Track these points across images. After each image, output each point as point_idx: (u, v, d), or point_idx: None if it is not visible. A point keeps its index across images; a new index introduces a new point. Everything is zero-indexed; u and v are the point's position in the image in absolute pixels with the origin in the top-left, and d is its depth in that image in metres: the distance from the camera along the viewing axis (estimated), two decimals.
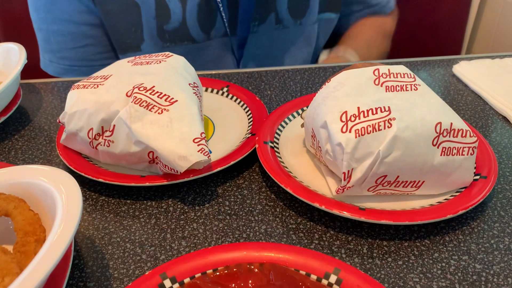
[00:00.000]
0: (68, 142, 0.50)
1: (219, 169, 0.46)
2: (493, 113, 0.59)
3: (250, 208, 0.45)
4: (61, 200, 0.34)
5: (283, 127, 0.54)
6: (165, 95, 0.46)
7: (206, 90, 0.64)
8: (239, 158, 0.48)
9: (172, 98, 0.46)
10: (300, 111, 0.57)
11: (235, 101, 0.61)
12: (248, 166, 0.51)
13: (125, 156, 0.47)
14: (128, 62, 0.53)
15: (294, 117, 0.56)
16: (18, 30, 1.15)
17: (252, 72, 0.71)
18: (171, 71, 0.50)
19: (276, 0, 0.78)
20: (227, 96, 0.62)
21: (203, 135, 0.45)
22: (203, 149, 0.44)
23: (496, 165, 0.46)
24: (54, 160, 0.53)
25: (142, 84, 0.47)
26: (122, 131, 0.46)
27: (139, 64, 0.52)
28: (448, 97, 0.63)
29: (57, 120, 0.52)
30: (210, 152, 0.51)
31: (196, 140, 0.44)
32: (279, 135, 0.53)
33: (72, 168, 0.48)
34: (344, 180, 0.41)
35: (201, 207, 0.45)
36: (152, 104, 0.45)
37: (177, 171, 0.44)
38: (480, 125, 0.56)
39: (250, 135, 0.52)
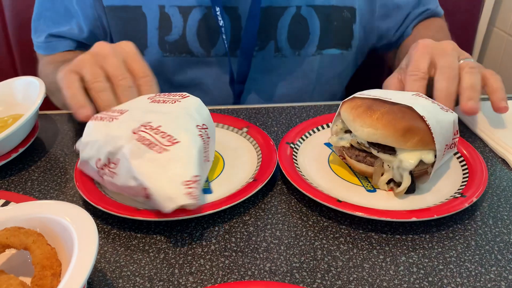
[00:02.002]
0: (82, 167, 0.54)
1: (223, 207, 0.49)
2: (492, 155, 0.61)
3: (256, 246, 0.47)
4: (78, 237, 0.36)
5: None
6: (168, 135, 0.48)
7: (226, 128, 0.66)
8: (241, 199, 0.50)
9: (175, 139, 0.48)
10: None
11: (251, 142, 0.63)
12: (255, 203, 0.53)
13: (125, 189, 0.49)
14: (148, 98, 0.56)
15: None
16: (34, 60, 1.19)
17: (260, 108, 0.74)
18: (182, 112, 0.52)
19: (277, 29, 0.81)
20: (245, 136, 0.64)
21: (197, 178, 0.46)
22: (191, 193, 0.45)
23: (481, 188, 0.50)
24: (68, 192, 0.55)
25: (149, 123, 0.49)
26: (124, 165, 0.48)
27: (156, 102, 0.54)
28: None
29: (74, 147, 0.55)
30: (209, 191, 0.53)
31: (186, 183, 0.45)
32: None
33: (87, 199, 0.50)
34: None
35: (208, 243, 0.47)
36: (154, 143, 0.47)
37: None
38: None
39: (252, 180, 0.54)
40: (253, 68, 0.83)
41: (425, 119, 0.49)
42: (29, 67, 1.21)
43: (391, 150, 0.51)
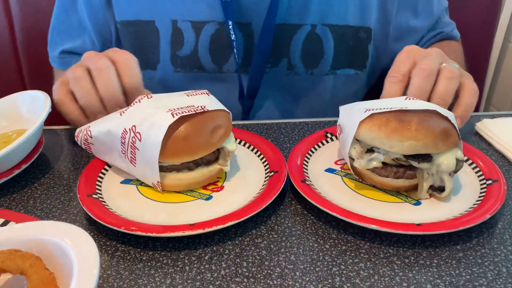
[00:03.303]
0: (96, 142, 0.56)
1: (231, 223, 0.46)
2: None
3: (269, 271, 0.43)
4: (77, 262, 0.34)
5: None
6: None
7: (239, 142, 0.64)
8: (250, 214, 0.48)
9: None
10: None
11: (258, 156, 0.61)
12: (267, 224, 0.50)
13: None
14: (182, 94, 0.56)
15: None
16: (42, 74, 1.19)
17: (272, 124, 0.71)
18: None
19: (290, 46, 0.79)
20: (252, 149, 0.62)
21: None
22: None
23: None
24: (71, 210, 0.53)
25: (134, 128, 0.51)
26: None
27: (180, 96, 0.56)
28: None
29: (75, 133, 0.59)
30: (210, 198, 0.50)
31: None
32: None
33: (92, 216, 0.48)
34: None
35: (218, 267, 0.44)
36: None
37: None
38: (506, 187, 0.55)
39: (260, 193, 0.52)
40: (265, 84, 0.81)
41: (449, 120, 0.50)
42: (37, 81, 1.21)
43: (427, 158, 0.49)
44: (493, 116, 0.69)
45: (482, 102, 1.38)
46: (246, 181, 0.56)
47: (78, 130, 0.58)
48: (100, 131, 0.54)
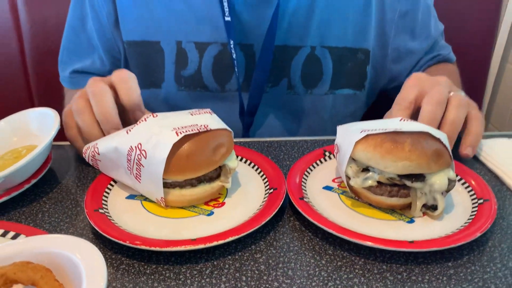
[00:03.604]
0: (104, 159, 0.59)
1: (232, 238, 0.48)
2: (510, 194, 0.59)
3: (267, 285, 0.45)
4: (86, 274, 0.36)
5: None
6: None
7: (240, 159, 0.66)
8: (251, 229, 0.50)
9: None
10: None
11: (259, 173, 0.63)
12: (266, 240, 0.52)
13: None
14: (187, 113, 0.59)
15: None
16: (51, 91, 1.22)
17: (272, 142, 0.74)
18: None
19: (291, 67, 0.82)
20: (253, 166, 0.64)
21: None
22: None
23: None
24: (78, 224, 0.55)
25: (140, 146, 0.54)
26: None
27: (184, 115, 0.58)
28: None
29: (83, 150, 0.61)
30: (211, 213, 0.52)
31: None
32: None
33: (98, 230, 0.50)
34: None
35: (218, 281, 0.46)
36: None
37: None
38: (498, 207, 0.56)
39: (260, 209, 0.54)
40: (265, 102, 0.83)
41: (441, 141, 0.52)
42: (46, 98, 1.24)
43: (421, 177, 0.52)
44: (487, 137, 0.71)
45: None
46: (246, 198, 0.58)
47: (86, 146, 0.61)
48: (107, 148, 0.57)
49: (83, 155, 0.62)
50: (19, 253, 0.40)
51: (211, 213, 0.55)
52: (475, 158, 0.68)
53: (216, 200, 0.58)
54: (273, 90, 0.84)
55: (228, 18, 0.77)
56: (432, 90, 0.63)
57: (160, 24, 0.81)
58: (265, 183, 0.60)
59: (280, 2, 0.76)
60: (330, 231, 0.49)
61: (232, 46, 0.77)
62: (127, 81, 0.62)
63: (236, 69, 0.79)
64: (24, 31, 1.17)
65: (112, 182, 0.60)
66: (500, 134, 0.73)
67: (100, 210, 0.54)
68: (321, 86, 0.84)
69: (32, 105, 1.25)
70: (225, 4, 0.76)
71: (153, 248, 0.47)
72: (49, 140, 0.60)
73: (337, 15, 0.81)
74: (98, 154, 0.58)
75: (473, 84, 1.33)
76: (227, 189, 0.59)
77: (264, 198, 0.57)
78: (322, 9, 0.80)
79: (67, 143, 0.73)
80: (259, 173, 0.62)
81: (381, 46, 0.86)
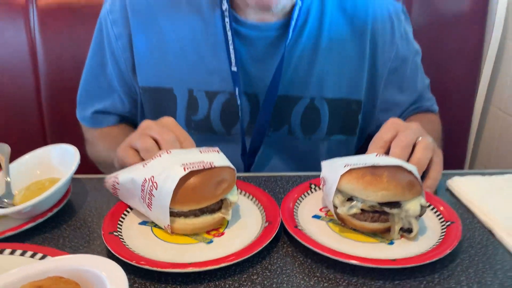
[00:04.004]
0: (123, 189, 0.66)
1: (236, 261, 0.55)
2: (480, 226, 0.67)
3: None
4: None
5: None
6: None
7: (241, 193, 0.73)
8: (251, 253, 0.57)
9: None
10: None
11: (254, 203, 0.70)
12: (262, 264, 0.58)
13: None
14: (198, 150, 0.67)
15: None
16: (63, 128, 1.30)
17: (269, 177, 0.81)
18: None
19: (291, 115, 0.91)
20: (251, 199, 0.72)
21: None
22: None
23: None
24: (95, 248, 0.62)
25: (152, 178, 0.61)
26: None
27: (194, 152, 0.66)
28: None
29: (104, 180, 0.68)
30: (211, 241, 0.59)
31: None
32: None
33: (110, 249, 0.57)
34: None
35: None
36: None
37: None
38: (468, 237, 0.64)
39: (259, 236, 0.61)
40: (267, 145, 0.91)
41: (413, 173, 0.60)
42: (58, 134, 1.31)
43: (397, 205, 0.60)
44: (462, 175, 0.79)
45: (467, 161, 1.48)
46: (244, 229, 0.64)
47: (107, 177, 0.69)
48: (125, 179, 0.65)
49: (104, 184, 0.69)
50: (52, 269, 0.47)
51: (210, 241, 0.62)
52: (451, 194, 0.76)
53: (217, 230, 0.64)
54: (274, 134, 0.92)
55: (234, 69, 0.86)
56: (401, 135, 0.72)
57: (173, 73, 0.90)
58: (262, 215, 0.67)
59: (284, 56, 0.86)
60: (324, 253, 0.56)
61: (237, 94, 0.86)
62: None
63: (240, 115, 0.88)
64: (40, 68, 1.26)
65: (128, 209, 0.68)
66: (474, 172, 0.80)
67: (115, 233, 0.62)
68: (318, 133, 0.93)
69: (44, 138, 1.32)
70: (232, 56, 0.85)
71: (155, 268, 0.54)
72: (70, 174, 0.68)
73: (334, 69, 0.91)
74: (118, 183, 0.66)
75: (459, 126, 1.42)
76: (228, 220, 0.66)
77: (260, 230, 0.64)
78: (321, 63, 0.90)
79: (84, 175, 0.81)
80: (257, 205, 0.70)
81: (372, 98, 0.95)
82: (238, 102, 0.87)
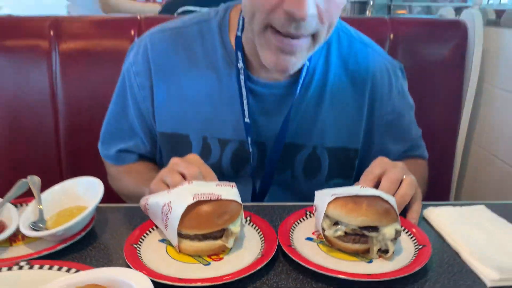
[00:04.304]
0: (151, 208, 0.78)
1: (241, 276, 0.65)
2: (448, 249, 0.77)
3: None
4: None
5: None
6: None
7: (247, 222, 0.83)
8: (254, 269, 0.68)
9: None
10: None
11: (254, 228, 0.81)
12: (261, 280, 0.69)
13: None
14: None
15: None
16: (79, 161, 1.41)
17: (268, 206, 0.92)
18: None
19: (295, 161, 1.01)
20: (250, 224, 0.82)
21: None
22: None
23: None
24: (115, 266, 0.72)
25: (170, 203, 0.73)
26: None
27: (212, 185, 0.78)
28: None
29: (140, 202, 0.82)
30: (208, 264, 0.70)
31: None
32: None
33: (125, 258, 0.69)
34: None
35: None
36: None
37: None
38: (437, 258, 0.74)
39: (260, 256, 0.72)
40: (272, 185, 1.01)
41: (390, 203, 0.71)
42: (72, 166, 1.42)
43: (375, 229, 0.71)
44: (436, 205, 0.90)
45: (452, 193, 1.59)
46: (241, 258, 0.73)
47: (142, 198, 0.82)
48: (153, 202, 0.77)
49: (140, 203, 0.82)
50: (89, 279, 0.57)
51: (208, 264, 0.72)
52: (427, 222, 0.86)
53: (217, 255, 0.74)
54: (279, 176, 1.02)
55: (247, 120, 0.96)
56: (391, 172, 0.83)
57: (190, 122, 1.00)
58: (261, 242, 0.77)
59: (291, 110, 0.96)
60: (314, 269, 0.67)
61: (249, 143, 0.96)
62: (204, 164, 0.84)
63: (251, 161, 0.98)
64: (59, 107, 1.38)
65: (154, 227, 0.80)
66: (446, 203, 0.92)
67: (134, 245, 0.73)
68: (318, 178, 1.03)
69: (60, 171, 1.43)
70: (246, 109, 0.95)
71: (152, 278, 0.61)
72: (96, 203, 0.79)
73: (335, 121, 1.01)
74: (148, 205, 0.78)
75: (444, 162, 1.54)
76: (229, 248, 0.75)
77: (257, 256, 0.73)
78: (324, 115, 1.00)
79: (106, 205, 0.91)
80: (258, 232, 0.80)
81: (368, 146, 1.06)
82: (250, 149, 0.96)
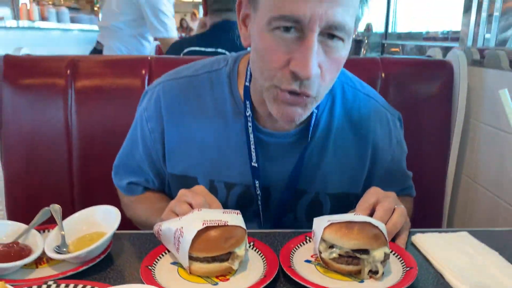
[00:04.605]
0: (164, 234, 0.86)
1: None
2: (433, 271, 0.85)
3: None
4: None
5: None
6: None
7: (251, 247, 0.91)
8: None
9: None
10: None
11: (257, 252, 0.89)
12: None
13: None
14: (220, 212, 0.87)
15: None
16: (90, 191, 1.50)
17: (270, 233, 1.00)
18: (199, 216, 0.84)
19: (297, 205, 1.09)
20: (252, 248, 0.90)
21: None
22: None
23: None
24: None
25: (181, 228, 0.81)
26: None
27: (218, 212, 0.86)
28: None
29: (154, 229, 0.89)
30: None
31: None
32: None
33: (141, 277, 0.76)
34: None
35: None
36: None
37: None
38: (423, 279, 0.82)
39: (263, 277, 0.80)
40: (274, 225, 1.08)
41: (379, 228, 0.80)
42: (84, 195, 1.50)
43: (366, 252, 0.79)
44: (423, 232, 0.98)
45: (444, 221, 1.66)
46: (246, 279, 0.81)
47: (155, 225, 0.90)
48: (165, 227, 0.85)
49: (153, 229, 0.90)
50: None
51: (216, 284, 0.79)
52: (415, 247, 0.95)
53: (224, 276, 0.82)
54: (283, 218, 1.09)
55: (255, 164, 1.02)
56: (384, 202, 0.92)
57: (198, 165, 1.06)
58: (264, 265, 0.85)
59: (303, 157, 1.02)
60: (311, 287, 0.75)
61: (257, 186, 1.03)
62: (210, 194, 0.92)
63: (259, 203, 1.05)
64: (73, 140, 1.47)
65: (166, 251, 0.88)
66: (432, 230, 1.00)
67: (149, 267, 0.81)
68: None
69: (72, 202, 1.51)
70: (253, 154, 1.01)
71: None
72: (114, 229, 0.87)
73: (338, 168, 1.06)
74: (161, 231, 0.86)
75: (435, 192, 1.62)
76: (235, 269, 0.83)
77: (261, 276, 0.80)
78: (327, 163, 1.05)
79: (122, 231, 0.99)
80: (261, 256, 0.88)
81: (366, 189, 1.09)
82: (258, 192, 1.03)
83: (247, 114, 1.02)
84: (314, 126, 1.04)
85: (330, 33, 0.84)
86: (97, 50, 3.08)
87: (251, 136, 1.01)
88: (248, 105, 1.02)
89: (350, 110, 1.08)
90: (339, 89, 1.09)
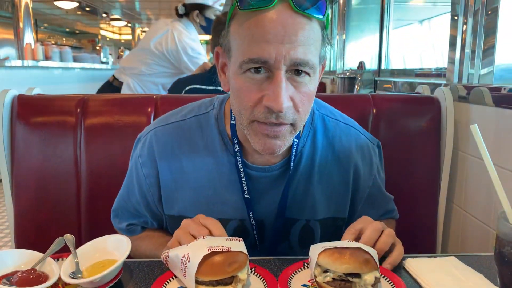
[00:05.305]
0: (171, 261, 0.92)
1: None
2: None
3: None
4: None
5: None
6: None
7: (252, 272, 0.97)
8: None
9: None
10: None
11: (259, 278, 0.95)
12: None
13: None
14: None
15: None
16: (97, 224, 1.55)
17: (269, 260, 1.06)
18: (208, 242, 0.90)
19: (290, 234, 1.15)
20: (254, 274, 0.97)
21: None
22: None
23: None
24: None
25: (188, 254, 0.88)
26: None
27: (222, 239, 0.92)
28: None
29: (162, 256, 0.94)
30: None
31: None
32: None
33: None
34: None
35: None
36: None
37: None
38: None
39: None
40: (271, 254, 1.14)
41: (370, 253, 0.86)
42: (91, 228, 1.56)
43: (358, 276, 0.85)
44: (414, 257, 1.05)
45: (438, 248, 1.72)
46: None
47: (163, 252, 0.96)
48: (173, 254, 0.91)
49: (162, 256, 0.96)
50: None
51: None
52: (406, 271, 1.01)
53: None
54: (278, 248, 1.16)
55: (247, 196, 1.08)
56: (374, 223, 1.00)
57: (193, 205, 1.11)
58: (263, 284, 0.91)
59: (287, 187, 1.09)
60: None
61: (252, 216, 1.10)
62: (212, 221, 0.98)
63: (255, 232, 1.11)
64: (82, 176, 1.54)
65: (173, 276, 0.94)
66: (423, 255, 1.06)
67: None
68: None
69: (79, 233, 1.57)
70: (245, 185, 1.08)
71: None
72: (125, 256, 0.94)
73: (324, 196, 1.13)
74: (169, 257, 0.92)
75: (428, 220, 1.68)
76: None
77: None
78: (313, 192, 1.12)
79: (131, 260, 1.06)
80: (262, 281, 0.94)
81: (351, 213, 1.21)
82: (253, 222, 1.10)
83: (236, 149, 1.09)
84: (298, 158, 1.11)
85: (296, 69, 0.92)
86: (112, 85, 3.17)
87: (241, 169, 1.08)
88: (235, 142, 1.10)
89: (332, 139, 1.15)
90: (319, 120, 1.17)
